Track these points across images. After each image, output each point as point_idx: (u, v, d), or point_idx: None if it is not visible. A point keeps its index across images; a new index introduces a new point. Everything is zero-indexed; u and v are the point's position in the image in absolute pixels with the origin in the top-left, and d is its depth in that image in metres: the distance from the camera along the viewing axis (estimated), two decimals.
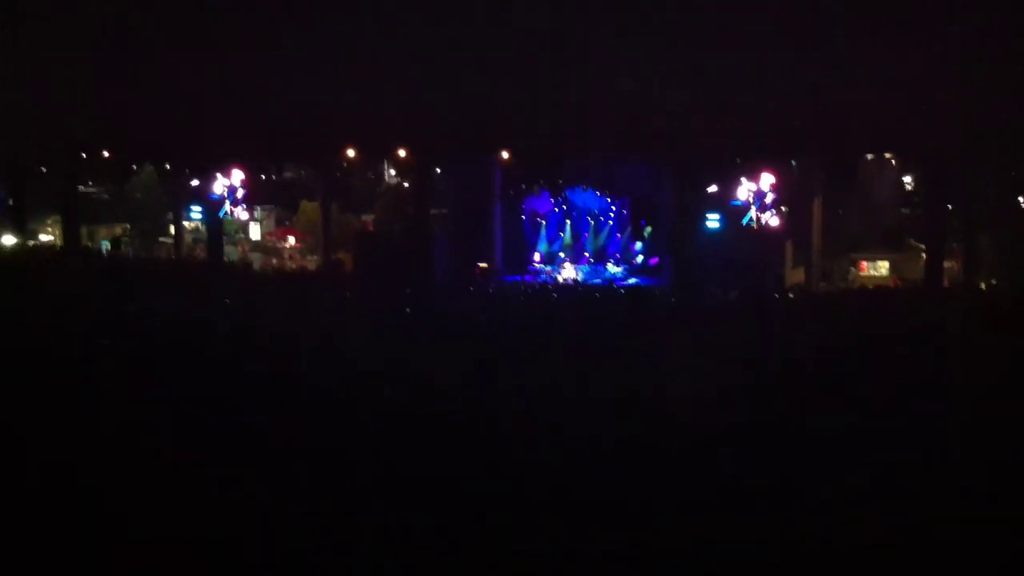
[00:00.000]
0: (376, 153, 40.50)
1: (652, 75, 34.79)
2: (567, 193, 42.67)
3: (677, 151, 35.13)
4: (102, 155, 41.73)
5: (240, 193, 41.30)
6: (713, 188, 37.94)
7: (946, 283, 36.18)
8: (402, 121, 36.11)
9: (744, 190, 36.84)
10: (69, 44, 37.51)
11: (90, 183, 48.56)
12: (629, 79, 35.01)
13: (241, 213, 43.01)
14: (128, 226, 48.77)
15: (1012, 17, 32.51)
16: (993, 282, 36.48)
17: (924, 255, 37.67)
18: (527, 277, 40.87)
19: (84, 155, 42.54)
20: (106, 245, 44.25)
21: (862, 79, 34.04)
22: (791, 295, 32.57)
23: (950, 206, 37.68)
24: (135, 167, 44.72)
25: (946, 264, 37.16)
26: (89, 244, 45.52)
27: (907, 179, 43.63)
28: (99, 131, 38.44)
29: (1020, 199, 39.15)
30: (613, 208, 42.73)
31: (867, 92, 33.77)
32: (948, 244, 37.42)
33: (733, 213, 37.28)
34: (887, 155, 39.80)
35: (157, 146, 40.30)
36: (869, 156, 38.88)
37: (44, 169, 43.79)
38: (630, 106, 35.18)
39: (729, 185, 37.12)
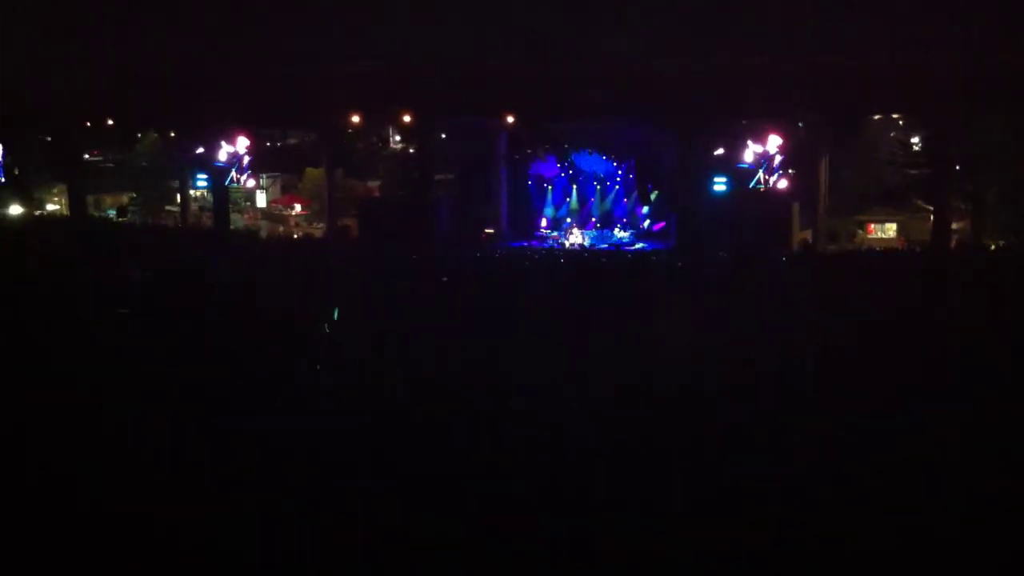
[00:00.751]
0: (379, 117, 40.25)
1: (655, 35, 34.52)
2: (573, 157, 42.53)
3: (678, 111, 34.85)
4: (106, 122, 41.55)
5: (245, 160, 41.10)
6: (720, 151, 37.74)
7: (954, 243, 36.04)
8: (404, 84, 35.86)
9: (750, 152, 36.60)
10: (68, 11, 37.29)
11: (95, 152, 48.48)
12: (631, 39, 34.76)
13: (247, 181, 42.91)
14: (134, 195, 48.74)
15: None
16: (1002, 243, 36.36)
17: (931, 216, 37.49)
18: (533, 243, 40.82)
19: (88, 123, 42.37)
20: (112, 214, 44.26)
21: (865, 37, 33.76)
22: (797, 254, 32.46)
23: (957, 166, 37.47)
24: (139, 135, 44.65)
25: (955, 225, 37.03)
26: (95, 212, 45.52)
27: (914, 140, 43.33)
28: (101, 98, 38.23)
29: None
30: (619, 172, 42.58)
31: (869, 50, 33.49)
32: (955, 204, 37.23)
33: (740, 175, 37.07)
34: (893, 115, 39.50)
35: (160, 112, 40.03)
36: (876, 116, 38.54)
37: (48, 138, 43.67)
38: (631, 66, 34.91)
39: (736, 147, 36.90)
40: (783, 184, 36.74)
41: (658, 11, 35.26)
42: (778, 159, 36.20)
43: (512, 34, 35.43)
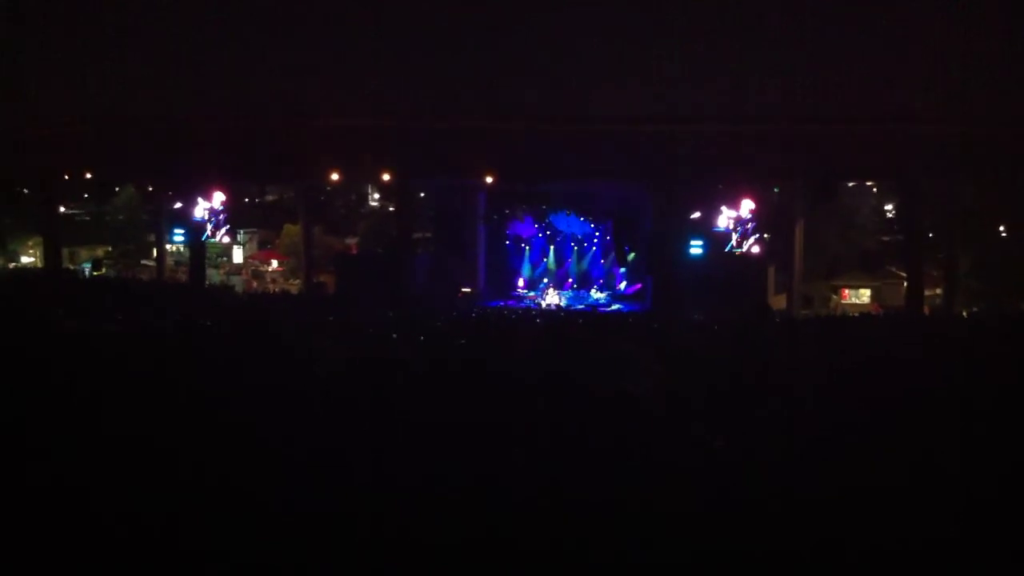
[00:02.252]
0: (357, 174, 40.34)
1: (633, 100, 34.89)
2: (550, 218, 42.74)
3: (658, 175, 35.16)
4: (83, 176, 41.44)
5: (222, 216, 40.99)
6: (696, 214, 38.03)
7: (927, 310, 36.32)
8: (385, 143, 36.01)
9: (725, 217, 36.90)
10: (46, 61, 37.35)
11: (71, 205, 48.38)
12: (611, 103, 35.11)
13: (223, 236, 42.81)
14: (110, 248, 48.60)
15: (987, 42, 32.81)
16: (975, 309, 36.65)
17: (905, 282, 37.80)
18: (511, 302, 40.84)
19: (66, 176, 42.31)
20: (87, 267, 44.06)
21: (843, 105, 34.24)
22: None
23: (931, 234, 37.91)
24: (116, 188, 44.58)
25: (928, 292, 37.34)
26: (71, 266, 45.30)
27: (888, 207, 43.89)
28: (79, 152, 38.16)
29: (1000, 227, 39.54)
30: (596, 233, 42.82)
31: (847, 119, 33.96)
32: (928, 271, 37.59)
33: (716, 239, 37.32)
34: (867, 182, 40.00)
35: (137, 166, 39.97)
36: (850, 184, 39.02)
37: (25, 190, 43.48)
38: (611, 131, 35.23)
39: (711, 211, 37.19)
40: (757, 248, 36.99)
41: (641, 75, 35.63)
42: (752, 223, 36.46)
43: (492, 97, 35.64)
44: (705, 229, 37.13)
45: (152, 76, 36.60)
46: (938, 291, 38.56)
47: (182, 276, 44.00)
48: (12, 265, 45.83)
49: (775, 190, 38.60)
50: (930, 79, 33.76)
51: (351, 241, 49.92)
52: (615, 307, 39.93)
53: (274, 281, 47.59)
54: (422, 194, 43.80)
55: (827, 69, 34.26)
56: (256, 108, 36.27)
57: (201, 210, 40.08)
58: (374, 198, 51.81)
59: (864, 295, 41.63)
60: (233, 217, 42.18)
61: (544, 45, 35.44)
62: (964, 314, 35.36)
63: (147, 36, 37.46)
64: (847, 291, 41.71)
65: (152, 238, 46.03)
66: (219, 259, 48.27)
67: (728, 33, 35.14)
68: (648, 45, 35.18)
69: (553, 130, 35.28)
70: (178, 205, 40.09)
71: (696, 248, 36.87)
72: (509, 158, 35.85)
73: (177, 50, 37.03)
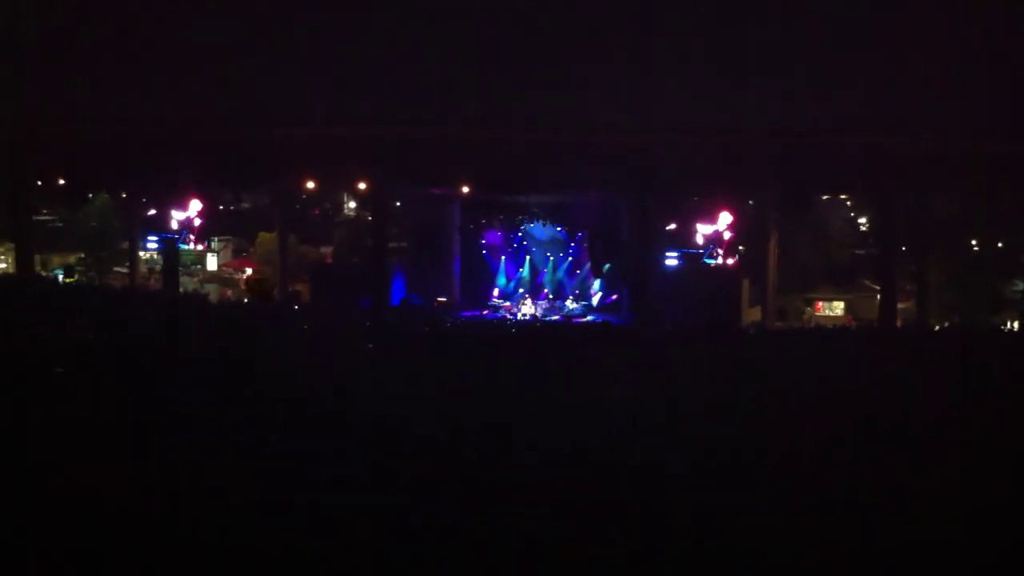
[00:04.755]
0: (333, 183, 40.24)
1: (608, 112, 34.95)
2: (527, 228, 42.73)
3: (632, 187, 35.26)
4: (56, 183, 41.10)
5: (197, 224, 40.79)
6: (672, 226, 38.19)
7: (900, 323, 36.56)
8: (360, 154, 35.92)
9: (701, 229, 37.09)
10: (20, 70, 37.01)
11: (44, 211, 47.92)
12: (586, 115, 35.14)
13: (198, 244, 42.57)
14: (83, 255, 48.14)
15: (965, 55, 33.10)
16: (946, 324, 36.89)
17: (878, 295, 38.05)
18: (486, 312, 40.78)
19: (39, 183, 41.96)
20: (59, 273, 43.67)
21: (817, 119, 34.43)
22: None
23: (904, 247, 38.15)
24: (90, 195, 44.24)
25: (901, 305, 37.59)
26: (43, 271, 44.87)
27: (861, 220, 44.18)
28: (53, 159, 37.84)
29: (972, 240, 39.90)
30: (572, 244, 42.84)
31: (822, 132, 34.17)
32: (902, 284, 37.84)
33: (691, 251, 37.49)
34: (841, 196, 40.26)
35: (112, 175, 39.71)
36: (824, 197, 39.25)
37: None
38: (587, 142, 35.29)
39: (686, 223, 37.35)
40: (732, 261, 37.18)
41: (617, 88, 35.69)
42: (728, 235, 36.65)
43: (467, 107, 35.60)
44: (680, 241, 37.31)
45: (126, 82, 36.29)
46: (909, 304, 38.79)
47: (155, 283, 43.65)
48: None
49: (750, 203, 38.77)
50: (904, 93, 34.02)
51: (326, 250, 49.69)
52: (589, 318, 39.94)
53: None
54: (398, 203, 43.68)
55: (801, 83, 34.43)
56: (232, 116, 36.10)
57: (176, 217, 39.93)
58: (349, 207, 51.60)
59: (838, 307, 41.85)
60: (207, 224, 41.99)
61: (520, 56, 35.43)
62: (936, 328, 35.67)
63: (121, 41, 37.16)
64: (820, 304, 41.91)
65: (126, 245, 45.60)
66: (193, 266, 47.88)
67: (704, 46, 35.24)
68: (624, 58, 35.25)
69: (528, 140, 35.32)
70: (152, 212, 39.88)
71: (671, 260, 37.04)
72: (485, 169, 35.88)
73: (152, 56, 36.75)
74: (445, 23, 35.86)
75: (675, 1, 36.11)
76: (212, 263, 48.48)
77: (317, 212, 48.99)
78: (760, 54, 34.38)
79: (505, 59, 34.64)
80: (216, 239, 47.30)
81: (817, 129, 34.24)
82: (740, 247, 37.44)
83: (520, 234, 42.84)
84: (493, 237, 42.98)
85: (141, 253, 45.01)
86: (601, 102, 35.65)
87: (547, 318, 39.31)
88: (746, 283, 38.15)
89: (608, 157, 35.31)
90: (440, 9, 36.09)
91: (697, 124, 34.49)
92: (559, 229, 42.56)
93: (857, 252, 42.44)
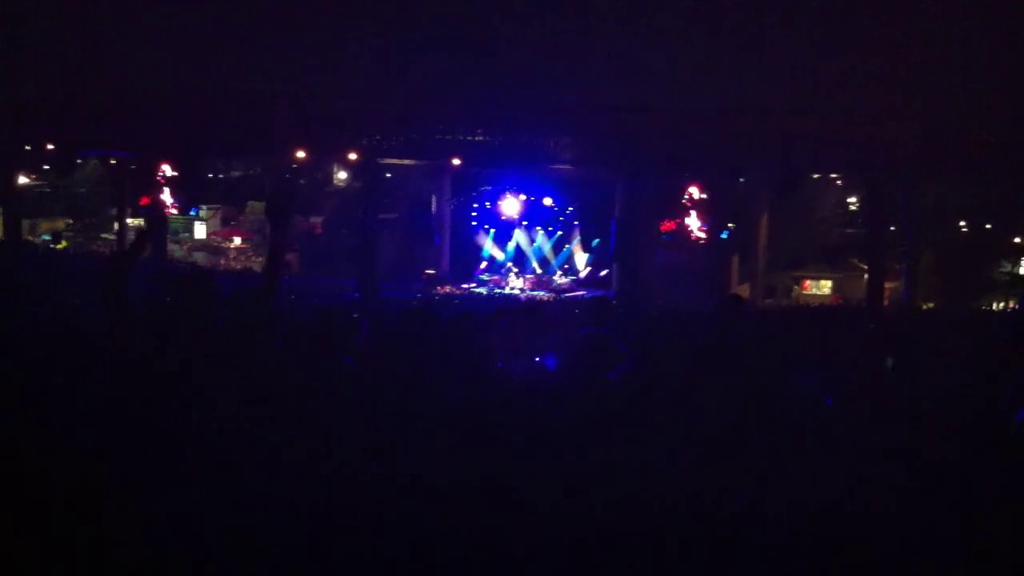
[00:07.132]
0: (324, 153, 40.02)
1: (601, 88, 34.91)
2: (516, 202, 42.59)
3: (624, 164, 35.23)
4: (44, 147, 40.76)
5: (184, 191, 40.46)
6: (662, 203, 38.06)
7: (886, 303, 36.67)
8: (352, 123, 35.76)
9: (690, 206, 37.02)
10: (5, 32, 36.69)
11: (33, 176, 47.63)
12: (578, 90, 35.10)
13: (185, 211, 42.31)
14: (71, 221, 47.95)
15: (959, 45, 33.16)
16: (932, 305, 37.10)
17: (866, 275, 38.16)
18: (475, 285, 40.78)
19: (27, 147, 41.60)
20: (47, 239, 43.56)
21: (810, 100, 34.48)
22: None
23: (892, 228, 38.25)
24: (79, 160, 43.96)
25: (889, 285, 37.70)
26: (31, 237, 44.69)
27: (851, 200, 44.24)
28: (41, 122, 37.52)
29: (960, 222, 40.03)
30: (562, 219, 42.77)
31: (813, 113, 34.23)
32: (890, 265, 37.95)
33: (682, 228, 37.42)
34: (832, 175, 40.26)
35: (101, 140, 39.36)
36: (815, 175, 39.23)
37: None
38: (580, 118, 35.24)
39: (677, 200, 37.24)
40: (723, 237, 37.19)
41: (608, 64, 35.67)
42: (717, 214, 36.63)
43: (459, 78, 35.51)
44: (670, 217, 37.25)
45: (115, 48, 36.05)
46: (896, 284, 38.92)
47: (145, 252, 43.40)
48: None
49: (740, 181, 38.75)
50: (895, 77, 34.05)
51: (316, 220, 49.52)
52: (578, 293, 39.91)
53: (236, 258, 47.18)
54: (388, 175, 43.49)
55: (794, 65, 34.45)
56: (223, 83, 35.89)
57: (165, 184, 39.59)
58: (339, 178, 51.35)
59: (825, 286, 42.00)
60: (196, 192, 41.76)
61: (513, 33, 35.35)
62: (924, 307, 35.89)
63: (109, 8, 36.90)
64: (808, 282, 42.04)
65: (114, 212, 45.39)
66: (181, 235, 47.76)
67: (697, 27, 35.23)
68: (615, 35, 35.22)
69: (520, 115, 35.23)
70: (139, 179, 39.57)
71: (662, 236, 37.02)
72: (473, 142, 35.80)
73: (142, 24, 36.52)
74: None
75: None
76: (200, 231, 48.39)
77: (305, 182, 48.64)
78: (751, 41, 34.41)
79: (500, 41, 34.53)
80: (204, 207, 47.16)
81: (807, 111, 34.37)
82: (730, 224, 37.42)
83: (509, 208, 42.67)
84: (482, 211, 42.86)
85: (129, 220, 44.83)
86: (591, 81, 35.62)
87: (535, 292, 39.30)
88: (735, 261, 38.21)
89: (598, 134, 35.35)
90: None
91: (689, 105, 34.59)
92: (549, 204, 42.42)
93: (847, 231, 42.53)
